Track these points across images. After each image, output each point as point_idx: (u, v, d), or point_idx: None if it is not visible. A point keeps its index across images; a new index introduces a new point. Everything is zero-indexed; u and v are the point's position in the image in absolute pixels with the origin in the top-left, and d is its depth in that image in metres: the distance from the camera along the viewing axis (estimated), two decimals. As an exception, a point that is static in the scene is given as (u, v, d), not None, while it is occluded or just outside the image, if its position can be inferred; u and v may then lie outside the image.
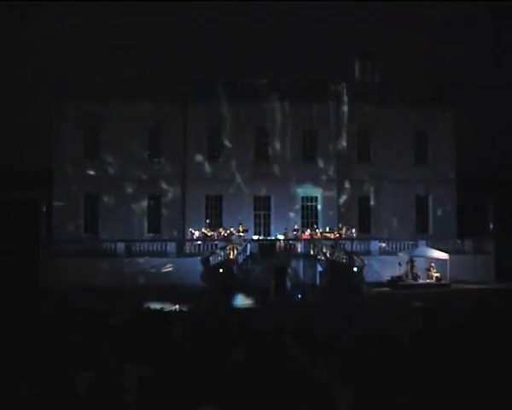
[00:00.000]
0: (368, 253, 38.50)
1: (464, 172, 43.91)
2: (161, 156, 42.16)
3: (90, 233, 41.13)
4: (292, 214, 41.69)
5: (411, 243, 39.41)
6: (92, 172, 41.16)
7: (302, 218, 42.26)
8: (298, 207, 42.24)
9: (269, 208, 42.10)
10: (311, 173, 42.28)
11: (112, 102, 40.69)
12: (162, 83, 41.45)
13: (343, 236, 39.96)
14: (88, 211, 41.60)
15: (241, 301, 29.69)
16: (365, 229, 42.74)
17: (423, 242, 39.21)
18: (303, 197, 42.38)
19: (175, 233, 41.15)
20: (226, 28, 60.61)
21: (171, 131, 41.99)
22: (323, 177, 42.39)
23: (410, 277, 36.60)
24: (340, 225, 40.74)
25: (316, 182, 42.33)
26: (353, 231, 40.73)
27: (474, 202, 43.96)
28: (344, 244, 38.87)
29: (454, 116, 43.81)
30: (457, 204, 43.78)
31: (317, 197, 42.68)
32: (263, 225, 41.86)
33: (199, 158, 41.84)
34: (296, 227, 40.31)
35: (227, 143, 41.97)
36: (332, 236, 39.74)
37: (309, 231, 40.19)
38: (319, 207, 42.71)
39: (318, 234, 39.93)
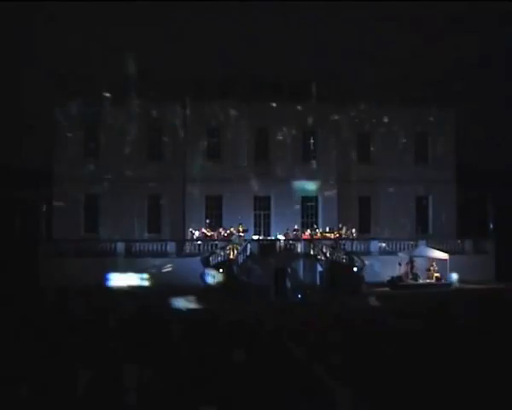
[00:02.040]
0: (368, 253, 38.54)
1: (464, 172, 43.87)
2: (161, 156, 42.13)
3: (89, 233, 41.08)
4: (292, 214, 41.59)
5: (411, 243, 39.42)
6: (92, 172, 41.09)
7: (302, 218, 42.20)
8: (298, 207, 42.17)
9: (269, 208, 42.06)
10: (311, 173, 42.24)
11: (112, 101, 40.63)
12: (162, 82, 41.39)
13: (343, 236, 39.96)
14: (88, 211, 41.56)
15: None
16: (365, 229, 42.71)
17: (423, 242, 39.23)
18: (303, 197, 42.30)
19: (175, 233, 41.09)
20: (226, 27, 60.58)
21: (171, 130, 41.96)
22: (323, 177, 42.32)
23: (410, 277, 36.57)
24: (340, 225, 40.71)
25: (316, 182, 42.27)
26: (353, 231, 40.73)
27: (473, 202, 43.94)
28: (344, 244, 38.89)
29: (454, 116, 43.83)
30: (457, 204, 43.77)
31: (316, 197, 42.64)
32: (263, 225, 41.82)
33: (199, 158, 41.81)
34: (296, 227, 40.29)
35: (227, 142, 41.96)
36: (332, 236, 39.74)
37: (309, 231, 40.18)
38: (319, 207, 42.66)
39: (318, 234, 39.93)
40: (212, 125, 42.00)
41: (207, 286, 33.65)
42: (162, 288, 31.23)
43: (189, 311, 23.17)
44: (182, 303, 25.29)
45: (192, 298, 26.88)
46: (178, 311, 22.81)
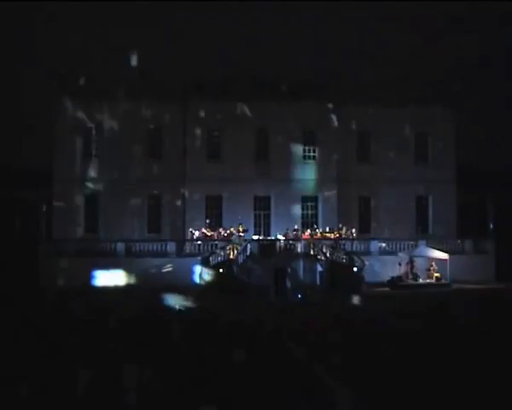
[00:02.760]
0: (368, 253, 38.54)
1: (464, 172, 43.82)
2: (161, 156, 42.09)
3: (90, 233, 41.04)
4: (292, 214, 41.52)
5: (411, 242, 39.41)
6: (92, 173, 41.05)
7: (302, 218, 42.11)
8: (298, 207, 42.07)
9: (269, 208, 42.00)
10: (312, 173, 42.21)
11: (112, 101, 40.60)
12: (162, 83, 41.39)
13: (343, 236, 39.95)
14: (88, 211, 41.50)
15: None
16: (365, 229, 42.64)
17: (423, 242, 39.23)
18: (303, 197, 42.22)
19: (175, 233, 41.07)
20: (226, 27, 60.56)
21: (171, 130, 41.94)
22: (323, 177, 42.27)
23: (410, 277, 36.55)
24: (340, 226, 40.68)
25: (316, 182, 42.25)
26: (353, 231, 40.71)
27: (473, 202, 43.90)
28: (344, 244, 38.88)
29: (454, 116, 43.75)
30: (457, 204, 43.73)
31: (316, 197, 42.55)
32: (263, 225, 41.74)
33: (199, 158, 41.76)
34: (296, 227, 40.26)
35: (227, 142, 41.90)
36: (332, 236, 39.73)
37: (309, 231, 40.16)
38: (319, 207, 42.56)
39: (318, 234, 39.91)
40: (213, 126, 41.95)
41: (205, 285, 33.63)
42: (160, 287, 31.21)
43: (187, 311, 23.15)
44: (177, 302, 25.27)
45: (190, 298, 26.88)
46: (175, 311, 22.80)
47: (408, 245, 39.18)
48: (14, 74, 55.00)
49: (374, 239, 40.31)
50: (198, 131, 41.85)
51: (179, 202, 41.79)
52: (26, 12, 57.57)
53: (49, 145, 41.91)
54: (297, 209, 42.08)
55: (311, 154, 42.79)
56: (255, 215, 42.00)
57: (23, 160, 46.23)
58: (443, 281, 36.07)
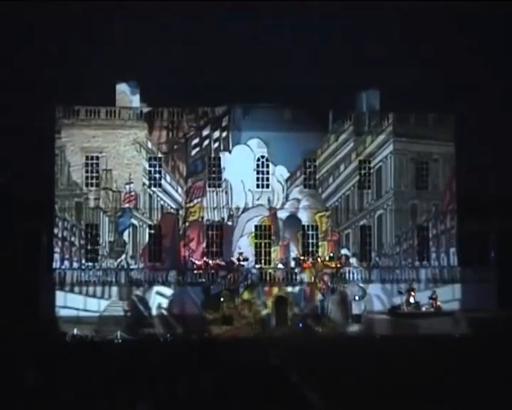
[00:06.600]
0: (369, 281, 38.57)
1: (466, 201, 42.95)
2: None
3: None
4: (293, 243, 41.16)
5: (412, 271, 39.48)
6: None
7: (303, 246, 41.50)
8: (299, 235, 41.54)
9: (269, 237, 41.52)
10: (312, 202, 41.94)
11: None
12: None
13: (344, 264, 39.85)
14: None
15: None
16: (366, 257, 41.95)
17: (423, 270, 39.31)
18: (304, 226, 41.79)
19: (176, 262, 40.82)
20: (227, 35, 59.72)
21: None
22: (325, 205, 41.93)
23: (411, 305, 36.67)
24: (341, 254, 40.51)
25: (318, 210, 41.87)
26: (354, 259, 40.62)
27: (474, 231, 43.28)
28: (345, 273, 38.85)
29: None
30: (458, 233, 43.04)
31: (317, 226, 42.03)
32: (263, 254, 41.19)
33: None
34: (297, 256, 40.13)
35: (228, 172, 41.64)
36: (333, 264, 39.59)
37: (310, 259, 40.01)
38: (320, 235, 41.95)
39: (319, 262, 39.76)
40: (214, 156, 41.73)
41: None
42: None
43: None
44: None
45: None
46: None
47: (409, 273, 39.21)
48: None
49: (375, 267, 40.17)
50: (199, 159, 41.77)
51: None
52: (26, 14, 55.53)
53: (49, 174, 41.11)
54: (298, 237, 41.50)
55: (312, 182, 42.57)
56: (256, 244, 41.17)
57: (23, 190, 44.93)
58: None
